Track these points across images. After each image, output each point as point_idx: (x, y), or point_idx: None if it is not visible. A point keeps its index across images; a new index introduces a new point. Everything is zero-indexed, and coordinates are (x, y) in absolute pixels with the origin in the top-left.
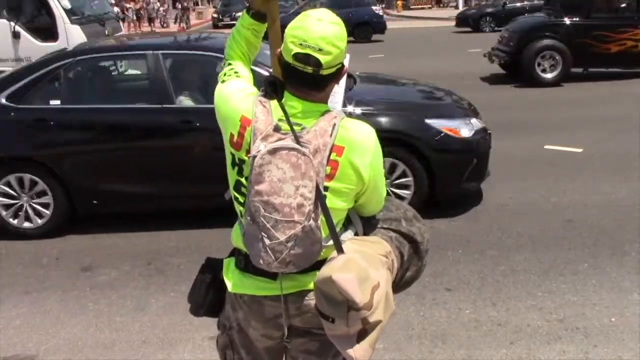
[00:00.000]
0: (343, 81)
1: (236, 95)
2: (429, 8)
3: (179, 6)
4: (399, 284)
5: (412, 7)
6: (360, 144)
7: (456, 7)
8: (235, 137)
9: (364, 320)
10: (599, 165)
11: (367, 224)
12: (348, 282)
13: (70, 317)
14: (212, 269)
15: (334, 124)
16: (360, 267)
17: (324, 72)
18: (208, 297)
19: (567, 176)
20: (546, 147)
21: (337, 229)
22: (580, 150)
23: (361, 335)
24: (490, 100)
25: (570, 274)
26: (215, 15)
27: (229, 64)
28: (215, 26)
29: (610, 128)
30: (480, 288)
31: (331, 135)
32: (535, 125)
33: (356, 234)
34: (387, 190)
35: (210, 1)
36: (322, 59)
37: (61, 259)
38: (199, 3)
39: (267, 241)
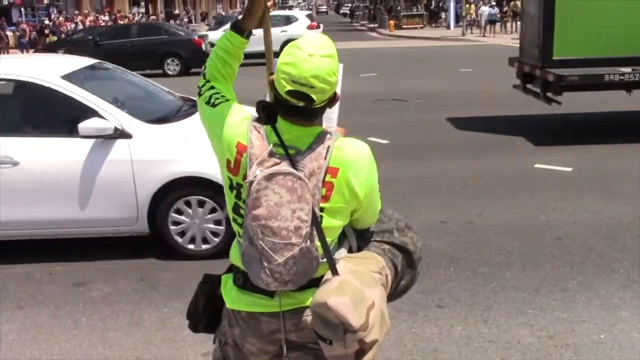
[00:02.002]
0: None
1: (230, 121)
2: (421, 28)
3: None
4: (394, 293)
5: (403, 27)
6: (355, 164)
7: (447, 27)
8: (232, 163)
9: (361, 341)
10: (588, 184)
11: (360, 238)
12: (343, 306)
13: (63, 332)
14: (210, 285)
15: (328, 146)
16: (355, 289)
17: (317, 105)
18: (206, 313)
19: (557, 195)
20: (536, 165)
21: (332, 246)
22: (570, 169)
23: (359, 355)
24: (481, 118)
25: (560, 291)
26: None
27: (212, 87)
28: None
29: (599, 147)
30: (471, 305)
31: (325, 157)
32: (526, 144)
33: (350, 249)
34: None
35: (203, 19)
36: (315, 96)
37: (54, 273)
38: (193, 21)
39: (265, 263)
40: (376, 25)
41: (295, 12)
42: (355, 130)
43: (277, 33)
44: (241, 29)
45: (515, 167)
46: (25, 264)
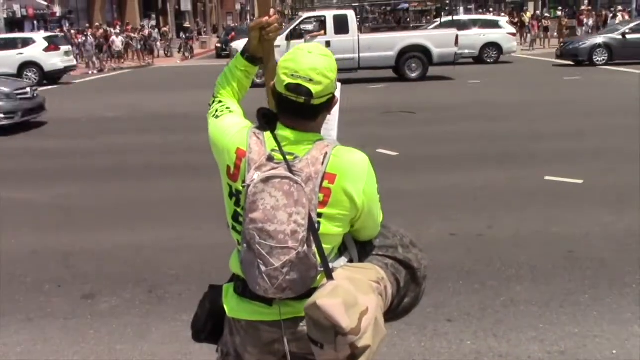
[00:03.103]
0: (337, 110)
1: (231, 129)
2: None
3: (183, 36)
4: (397, 311)
5: None
6: (352, 171)
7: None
8: (232, 169)
9: (352, 346)
10: (600, 196)
11: (362, 251)
12: (334, 307)
13: (71, 345)
14: (213, 294)
15: (326, 153)
16: (348, 293)
17: (315, 101)
18: (209, 322)
19: (568, 207)
20: (547, 178)
21: (332, 255)
22: (580, 181)
23: None
24: (490, 130)
25: (571, 305)
26: (218, 45)
27: (220, 101)
28: (218, 56)
29: (610, 159)
30: (481, 319)
31: (323, 163)
32: (536, 156)
33: (351, 261)
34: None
35: (215, 31)
36: (313, 88)
37: (63, 285)
38: (202, 33)
39: (263, 267)
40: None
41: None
42: (364, 142)
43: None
44: (243, 51)
45: (526, 179)
46: (34, 276)
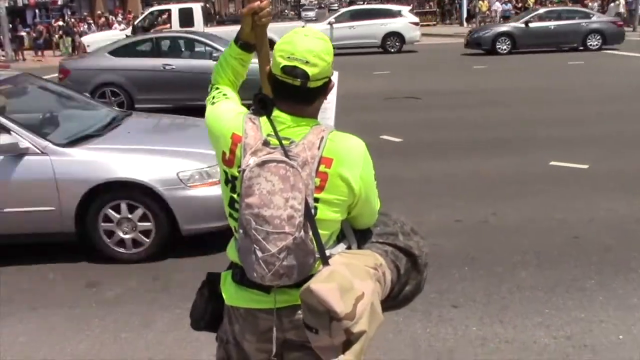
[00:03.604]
0: (334, 96)
1: (227, 114)
2: (434, 25)
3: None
4: (399, 299)
5: None
6: (349, 156)
7: (460, 23)
8: (227, 155)
9: (347, 331)
10: (605, 181)
11: (362, 239)
12: (328, 292)
13: (75, 333)
14: (211, 283)
15: (322, 137)
16: (344, 278)
17: (312, 84)
18: (207, 310)
19: (573, 192)
20: (552, 163)
21: (331, 242)
22: (586, 166)
23: (346, 346)
24: (496, 116)
25: (577, 290)
26: None
27: (217, 88)
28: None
29: (615, 144)
30: (486, 305)
31: (319, 147)
32: (541, 141)
33: (349, 248)
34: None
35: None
36: (309, 70)
37: (67, 275)
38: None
39: (259, 253)
40: None
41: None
42: (368, 128)
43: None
44: (237, 38)
45: (530, 165)
46: (39, 265)
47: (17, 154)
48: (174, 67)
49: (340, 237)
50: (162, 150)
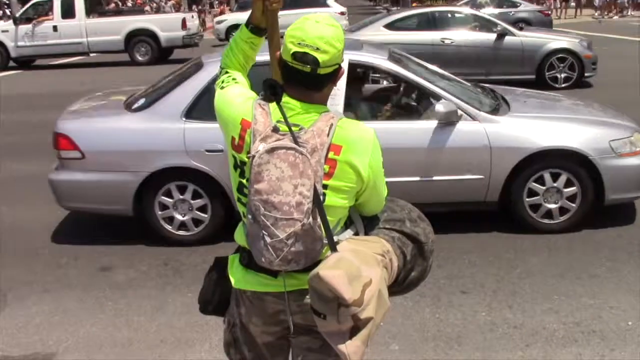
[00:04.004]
0: (343, 83)
1: (236, 99)
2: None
3: (195, 8)
4: (404, 285)
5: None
6: (358, 143)
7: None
8: (237, 140)
9: (354, 317)
10: None
11: (369, 225)
12: (336, 278)
13: (89, 316)
14: (219, 267)
15: (331, 124)
16: (352, 265)
17: (322, 71)
18: (215, 294)
19: None
20: None
21: (338, 228)
22: None
23: (353, 332)
24: None
25: (587, 277)
26: None
27: (226, 72)
28: None
29: None
30: (495, 291)
31: (328, 134)
32: None
33: (356, 234)
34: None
35: (227, 3)
36: (320, 57)
37: (80, 258)
38: (214, 5)
39: (268, 239)
40: (399, 7)
41: None
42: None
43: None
44: (248, 22)
45: None
46: (52, 249)
47: (451, 121)
48: (453, 41)
49: (348, 224)
50: (588, 120)
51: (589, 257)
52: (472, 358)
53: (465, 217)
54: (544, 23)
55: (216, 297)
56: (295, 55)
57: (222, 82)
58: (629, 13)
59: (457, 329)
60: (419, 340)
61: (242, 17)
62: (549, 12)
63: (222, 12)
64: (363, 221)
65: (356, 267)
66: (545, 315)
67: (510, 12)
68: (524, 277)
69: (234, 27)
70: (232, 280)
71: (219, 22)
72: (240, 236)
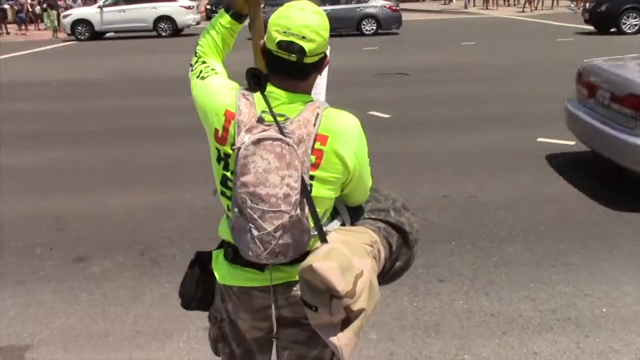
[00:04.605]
0: (325, 72)
1: (219, 91)
2: (422, 0)
3: None
4: (389, 275)
5: None
6: (344, 133)
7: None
8: (220, 132)
9: (347, 309)
10: (590, 157)
11: (355, 215)
12: (329, 270)
13: (64, 307)
14: (201, 262)
15: (317, 114)
16: (343, 256)
17: (308, 60)
18: (198, 290)
19: (560, 168)
20: (539, 139)
21: (324, 219)
22: (572, 142)
23: (345, 324)
24: (484, 92)
25: (562, 265)
26: (208, 7)
27: (204, 62)
28: (208, 18)
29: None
30: (473, 279)
31: (314, 124)
32: (529, 118)
33: (343, 224)
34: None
35: None
36: (306, 46)
37: (55, 249)
38: None
39: (255, 232)
40: None
41: None
42: (357, 104)
43: None
44: (228, 7)
45: (518, 141)
46: (26, 240)
47: None
48: None
49: (334, 214)
50: None
51: (564, 245)
52: (450, 346)
53: (444, 206)
54: (395, 19)
55: (199, 293)
56: (280, 44)
57: (201, 72)
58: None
59: (435, 317)
60: (397, 329)
61: (86, 11)
62: (397, 8)
63: None
64: (348, 212)
65: (348, 258)
66: (522, 303)
67: (359, 8)
68: (500, 266)
69: (79, 22)
70: (217, 276)
71: (65, 17)
72: (224, 230)
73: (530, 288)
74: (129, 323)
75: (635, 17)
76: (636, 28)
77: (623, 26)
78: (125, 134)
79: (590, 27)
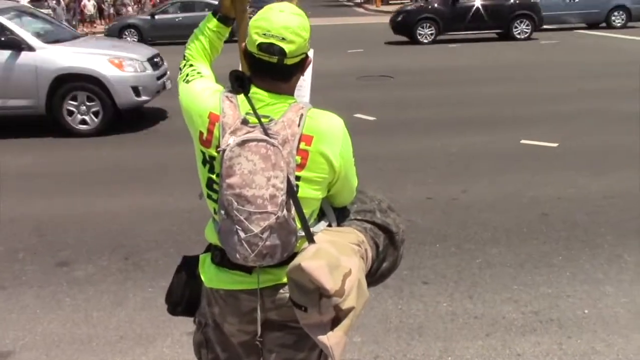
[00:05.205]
0: (309, 73)
1: (203, 93)
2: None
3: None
4: (376, 276)
5: (390, 2)
6: (328, 133)
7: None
8: (205, 135)
9: (336, 307)
10: (574, 159)
11: (341, 216)
12: (318, 269)
13: (46, 312)
14: (188, 266)
15: (301, 114)
16: (331, 255)
17: (289, 61)
18: (185, 295)
19: (543, 170)
20: (522, 141)
21: (311, 220)
22: (555, 144)
23: (334, 323)
24: (469, 95)
25: (545, 266)
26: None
27: (191, 65)
28: None
29: (584, 123)
30: (457, 281)
31: (299, 125)
32: (512, 120)
33: (330, 225)
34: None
35: None
36: (286, 47)
37: (37, 254)
38: None
39: (242, 234)
40: (362, 0)
41: None
42: (341, 107)
43: None
44: (215, 11)
45: (501, 143)
46: (8, 244)
47: None
48: None
49: (320, 216)
50: None
51: (547, 247)
52: (434, 348)
53: (428, 208)
54: None
55: (185, 298)
56: (260, 46)
57: (187, 75)
58: None
59: (419, 320)
60: (381, 332)
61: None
62: None
63: None
64: (335, 212)
65: (336, 257)
66: (505, 305)
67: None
68: (484, 268)
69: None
70: (204, 279)
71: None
72: (211, 234)
73: (513, 290)
74: (112, 328)
75: (430, 27)
76: (432, 37)
77: (419, 36)
78: (108, 137)
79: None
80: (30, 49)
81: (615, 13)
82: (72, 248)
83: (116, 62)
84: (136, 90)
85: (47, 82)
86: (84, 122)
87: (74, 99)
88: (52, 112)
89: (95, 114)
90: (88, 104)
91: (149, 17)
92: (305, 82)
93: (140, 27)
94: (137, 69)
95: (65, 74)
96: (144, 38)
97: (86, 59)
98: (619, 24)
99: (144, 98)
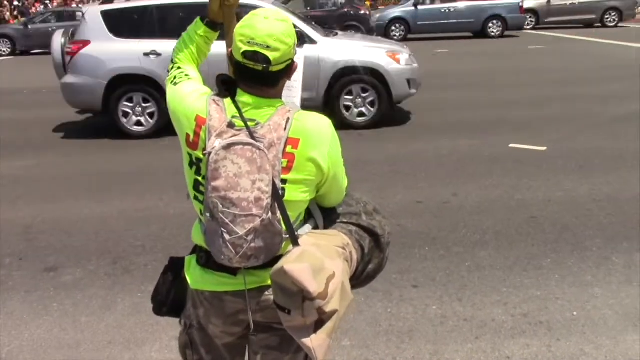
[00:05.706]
0: (300, 75)
1: (190, 96)
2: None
3: None
4: (362, 278)
5: (379, 7)
6: (316, 135)
7: None
8: (192, 137)
9: (319, 310)
10: (562, 163)
11: (327, 219)
12: (301, 272)
13: (34, 318)
14: (174, 267)
15: (288, 118)
16: (315, 258)
17: (274, 68)
18: (171, 296)
19: (532, 174)
20: (511, 145)
21: (297, 223)
22: (544, 148)
23: (318, 325)
24: (458, 99)
25: (534, 269)
26: None
27: (178, 67)
28: None
29: (573, 127)
30: (446, 284)
31: (285, 128)
32: (501, 124)
33: (316, 228)
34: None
35: None
36: (271, 55)
37: (24, 259)
38: None
39: (227, 236)
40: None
41: None
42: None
43: None
44: (203, 16)
45: (490, 146)
46: None
47: None
48: None
49: (307, 217)
50: None
51: (536, 249)
52: (424, 351)
53: (417, 212)
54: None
55: (171, 299)
56: (245, 54)
57: (175, 77)
58: None
59: (409, 323)
60: (371, 335)
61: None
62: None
63: None
64: (322, 214)
65: (320, 260)
66: (494, 308)
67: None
68: (473, 271)
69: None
70: (190, 281)
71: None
72: (197, 235)
73: (502, 292)
74: (100, 333)
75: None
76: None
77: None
78: (95, 142)
79: None
80: (312, 41)
81: (490, 24)
82: (60, 253)
83: (394, 56)
84: (409, 83)
85: (328, 75)
86: (361, 115)
87: (349, 93)
88: (328, 104)
89: (368, 106)
90: (363, 95)
91: (22, 27)
92: (296, 83)
93: (14, 37)
94: (409, 62)
95: (347, 67)
96: (17, 47)
97: (366, 52)
98: (495, 33)
99: (413, 91)
